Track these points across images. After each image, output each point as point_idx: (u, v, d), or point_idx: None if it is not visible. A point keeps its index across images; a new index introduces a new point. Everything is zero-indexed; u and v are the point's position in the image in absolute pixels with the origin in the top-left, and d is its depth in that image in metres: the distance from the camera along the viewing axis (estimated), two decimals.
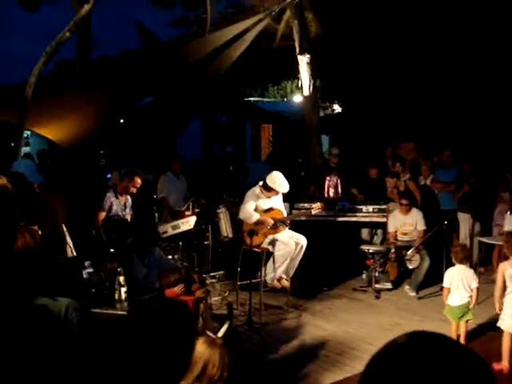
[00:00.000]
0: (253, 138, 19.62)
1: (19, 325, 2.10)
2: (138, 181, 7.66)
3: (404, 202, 8.50)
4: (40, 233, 3.77)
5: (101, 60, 18.57)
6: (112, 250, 6.43)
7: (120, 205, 7.66)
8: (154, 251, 5.86)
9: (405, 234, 8.53)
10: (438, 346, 1.03)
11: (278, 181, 7.43)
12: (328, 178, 10.01)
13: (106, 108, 11.00)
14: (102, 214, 7.53)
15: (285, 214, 7.83)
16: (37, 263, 3.05)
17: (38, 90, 8.81)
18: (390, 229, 8.64)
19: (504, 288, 5.59)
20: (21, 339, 2.12)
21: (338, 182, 9.98)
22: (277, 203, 7.71)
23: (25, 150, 17.85)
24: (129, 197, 7.73)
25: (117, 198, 7.60)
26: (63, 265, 4.55)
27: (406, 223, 8.51)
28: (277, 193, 7.56)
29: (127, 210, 7.75)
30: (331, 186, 10.03)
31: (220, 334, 4.98)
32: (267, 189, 7.49)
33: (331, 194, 9.98)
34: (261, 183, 7.58)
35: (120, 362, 3.64)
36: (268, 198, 7.59)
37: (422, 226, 8.42)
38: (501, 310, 5.62)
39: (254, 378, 5.36)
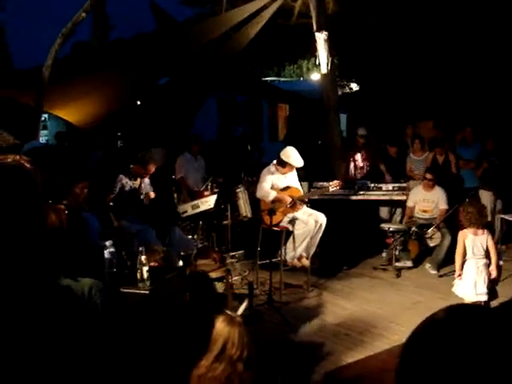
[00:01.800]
0: (270, 118, 19.51)
1: (46, 306, 2.09)
2: (152, 169, 7.65)
3: (428, 176, 8.44)
4: (66, 212, 3.74)
5: (116, 42, 18.52)
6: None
7: (134, 186, 7.57)
8: (174, 231, 5.86)
9: (425, 211, 8.47)
10: (476, 319, 1.00)
11: (292, 155, 7.40)
12: (355, 157, 10.04)
13: (123, 89, 10.98)
14: (110, 196, 7.51)
15: (302, 192, 7.80)
16: (62, 243, 3.04)
17: (55, 72, 8.79)
18: (409, 203, 8.60)
19: (464, 255, 5.81)
20: (48, 321, 2.10)
21: (365, 160, 10.00)
22: (293, 181, 7.69)
23: (43, 133, 17.95)
24: (145, 179, 7.69)
25: (131, 179, 7.55)
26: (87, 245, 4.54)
27: (426, 199, 8.45)
28: (291, 168, 7.51)
29: (144, 191, 7.69)
30: (358, 164, 10.05)
31: (239, 312, 4.99)
32: (282, 164, 7.46)
33: (358, 172, 10.00)
34: (275, 161, 7.55)
35: (143, 341, 3.64)
36: (284, 175, 7.55)
37: (444, 205, 8.34)
38: (460, 275, 5.81)
39: (275, 357, 5.35)
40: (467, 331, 0.97)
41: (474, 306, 1.05)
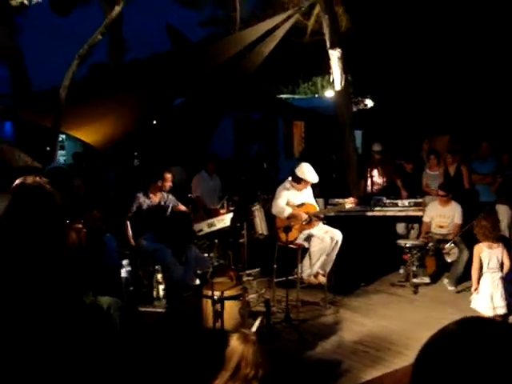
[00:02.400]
0: (285, 135, 19.58)
1: (69, 320, 2.13)
2: (169, 176, 7.70)
3: (441, 193, 8.44)
4: (85, 231, 3.80)
5: (132, 63, 18.73)
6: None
7: (151, 204, 7.60)
8: (190, 249, 5.88)
9: (441, 226, 8.44)
10: (488, 331, 1.01)
11: (307, 171, 7.45)
12: (372, 173, 10.07)
13: (139, 110, 11.10)
14: (128, 215, 7.56)
15: (317, 209, 7.82)
16: (82, 262, 3.09)
17: (72, 94, 8.92)
18: (425, 219, 8.59)
19: (481, 269, 5.89)
20: (70, 335, 2.14)
21: (382, 176, 10.02)
22: (308, 197, 7.72)
23: (60, 153, 18.14)
24: (165, 194, 7.71)
25: (148, 197, 7.57)
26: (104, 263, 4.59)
27: (442, 215, 8.43)
28: (306, 184, 7.54)
29: (168, 208, 7.69)
30: (375, 180, 10.08)
31: (253, 329, 4.97)
32: (297, 181, 7.51)
33: (375, 188, 10.01)
34: (290, 178, 7.59)
35: (159, 359, 3.66)
36: (299, 192, 7.59)
37: (458, 220, 8.31)
38: (476, 289, 5.90)
39: (292, 375, 5.34)
40: (479, 344, 0.98)
41: (487, 319, 1.06)
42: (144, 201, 7.56)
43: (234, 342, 3.29)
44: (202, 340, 4.22)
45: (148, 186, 7.72)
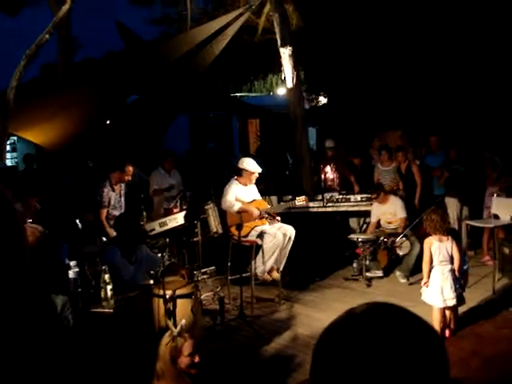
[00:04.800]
0: (240, 132, 19.61)
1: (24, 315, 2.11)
2: (130, 168, 7.80)
3: (373, 195, 8.62)
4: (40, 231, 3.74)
5: (85, 62, 18.45)
6: None
7: (117, 196, 7.79)
8: (140, 249, 5.84)
9: (389, 222, 8.58)
10: (392, 315, 1.03)
11: (247, 162, 7.64)
12: (325, 169, 10.18)
13: (91, 109, 10.95)
14: (104, 211, 7.63)
15: (267, 205, 7.92)
16: (36, 261, 3.04)
17: (22, 94, 8.76)
18: (372, 219, 8.73)
19: (431, 262, 5.93)
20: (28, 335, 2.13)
21: (335, 172, 10.14)
22: (256, 194, 7.82)
23: (12, 155, 17.77)
24: (122, 185, 7.89)
25: (113, 190, 7.74)
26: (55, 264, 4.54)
27: (385, 212, 8.58)
28: (250, 175, 7.61)
29: (122, 199, 7.87)
30: (328, 176, 10.19)
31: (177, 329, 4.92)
32: (240, 174, 7.60)
33: (328, 184, 10.14)
34: (235, 176, 7.68)
35: (105, 360, 3.64)
36: (246, 188, 7.66)
37: (402, 214, 8.47)
38: (426, 283, 5.94)
39: (247, 370, 5.36)
40: (382, 327, 1.00)
41: (398, 306, 1.07)
42: (108, 193, 7.65)
43: (162, 343, 3.35)
44: (149, 339, 4.20)
45: (108, 176, 7.78)
